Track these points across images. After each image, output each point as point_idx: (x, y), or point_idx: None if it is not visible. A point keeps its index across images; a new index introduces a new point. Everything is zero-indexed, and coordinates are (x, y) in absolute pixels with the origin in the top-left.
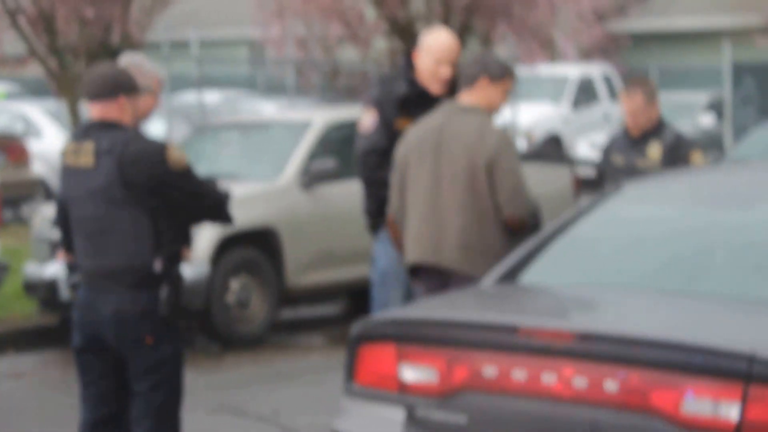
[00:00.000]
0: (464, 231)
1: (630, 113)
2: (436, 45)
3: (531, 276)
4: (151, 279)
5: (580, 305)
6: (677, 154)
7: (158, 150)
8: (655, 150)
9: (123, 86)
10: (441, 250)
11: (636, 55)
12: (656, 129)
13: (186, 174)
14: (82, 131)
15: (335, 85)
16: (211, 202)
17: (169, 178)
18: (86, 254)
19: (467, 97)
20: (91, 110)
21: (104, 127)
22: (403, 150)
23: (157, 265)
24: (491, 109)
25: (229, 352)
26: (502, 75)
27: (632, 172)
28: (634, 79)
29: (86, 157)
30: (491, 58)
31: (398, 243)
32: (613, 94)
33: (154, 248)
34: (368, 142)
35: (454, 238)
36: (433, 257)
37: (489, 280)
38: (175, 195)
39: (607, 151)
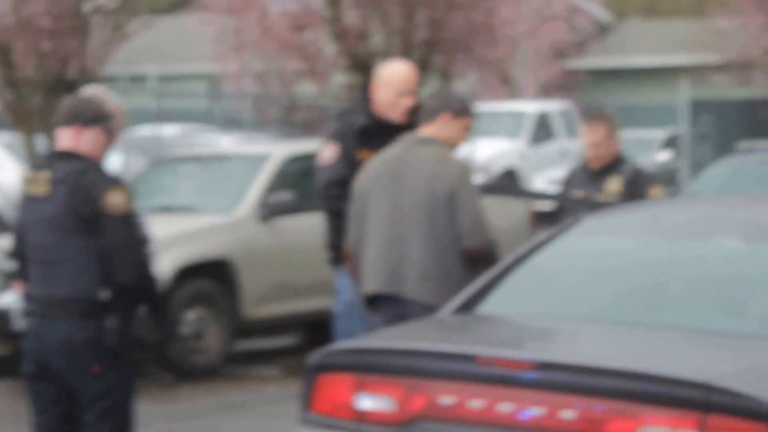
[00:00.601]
0: (424, 261)
1: (592, 145)
2: (395, 77)
3: (489, 306)
4: (99, 308)
5: (538, 335)
6: (636, 189)
7: (101, 186)
8: (614, 184)
9: (86, 117)
10: (401, 280)
11: (594, 91)
12: (616, 163)
13: (117, 220)
14: (41, 160)
15: (293, 120)
16: (130, 261)
17: (102, 217)
18: (38, 282)
19: (427, 130)
20: (57, 140)
21: (63, 156)
22: (362, 181)
23: (105, 295)
24: (451, 144)
25: (185, 384)
26: (464, 112)
27: (591, 205)
28: (597, 112)
29: (41, 186)
30: (453, 94)
31: (356, 274)
32: (570, 130)
33: (102, 278)
34: (329, 174)
35: (414, 269)
36: (393, 287)
37: (447, 310)
38: (101, 236)
39: (567, 185)
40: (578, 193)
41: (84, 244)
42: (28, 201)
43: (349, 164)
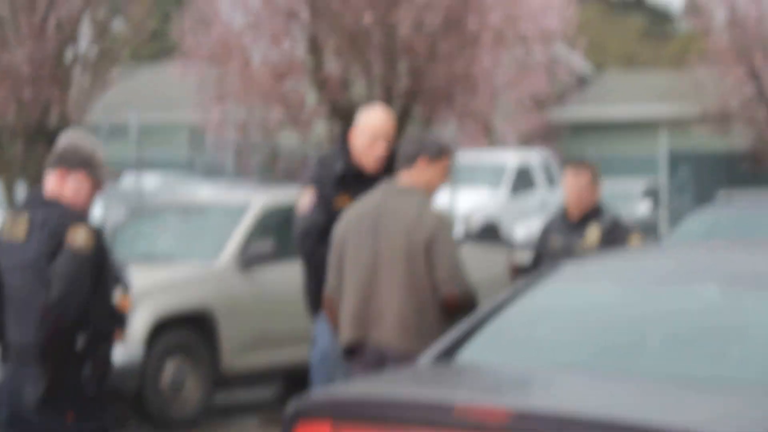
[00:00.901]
0: (402, 310)
1: (575, 192)
2: (370, 122)
3: (468, 355)
4: (74, 356)
5: (516, 384)
6: (616, 238)
7: (65, 223)
8: (593, 233)
9: (69, 160)
10: (379, 329)
11: (574, 142)
12: (595, 213)
13: (68, 254)
14: (21, 204)
15: (275, 169)
16: (65, 300)
17: (60, 251)
18: (13, 328)
19: (406, 177)
20: (44, 182)
21: (45, 203)
22: (341, 229)
23: (80, 342)
24: (431, 189)
25: None
26: (441, 154)
27: (570, 254)
28: (579, 161)
29: (19, 230)
30: (429, 138)
31: (334, 322)
32: (551, 180)
33: (78, 325)
34: (307, 221)
35: (393, 317)
36: (371, 336)
37: (426, 358)
38: (52, 268)
39: (545, 233)
40: (557, 242)
41: None
42: (6, 245)
43: (327, 211)
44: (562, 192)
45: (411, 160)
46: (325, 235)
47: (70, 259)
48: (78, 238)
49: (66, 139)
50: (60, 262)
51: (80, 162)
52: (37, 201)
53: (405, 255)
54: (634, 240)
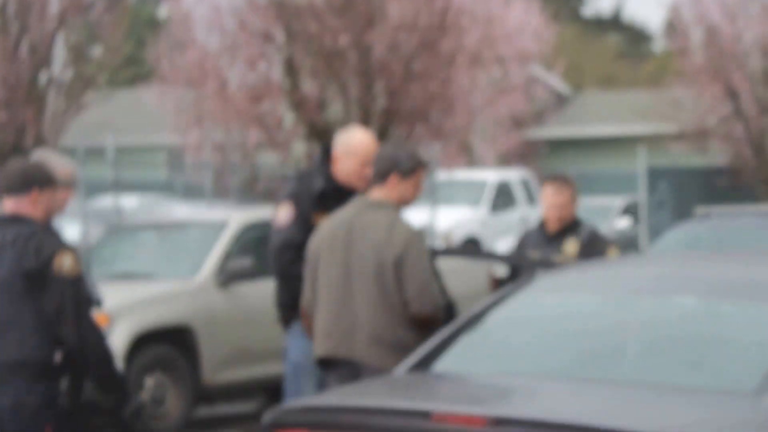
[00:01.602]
0: (374, 325)
1: (557, 206)
2: (360, 148)
3: (444, 364)
4: (51, 371)
5: (493, 391)
6: (593, 251)
7: (50, 248)
8: (571, 246)
9: (36, 180)
10: (352, 343)
11: (553, 160)
12: (573, 226)
13: (66, 283)
14: None
15: (254, 189)
16: (76, 324)
17: (50, 279)
18: None
19: (379, 193)
20: (5, 204)
21: (13, 221)
22: (315, 243)
23: (57, 357)
24: (403, 203)
25: None
26: (413, 169)
27: (548, 266)
28: (559, 176)
29: None
30: (402, 152)
31: (311, 334)
32: (530, 198)
33: (53, 340)
34: (283, 236)
35: (365, 332)
36: (344, 351)
37: (401, 368)
38: (47, 298)
39: (521, 247)
40: (534, 255)
41: (33, 307)
42: None
43: (305, 227)
44: (541, 206)
45: (383, 177)
46: (301, 251)
47: (67, 288)
48: (65, 264)
49: (24, 162)
50: (58, 293)
51: (49, 180)
52: (6, 221)
53: (375, 271)
54: (613, 252)
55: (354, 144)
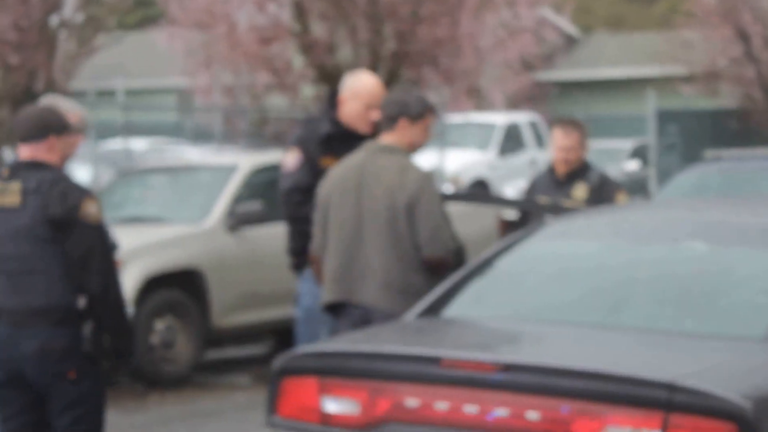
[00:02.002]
0: (385, 270)
1: (565, 149)
2: (365, 90)
3: (454, 310)
4: (75, 316)
5: (502, 337)
6: (603, 195)
7: (77, 196)
8: (580, 191)
9: (52, 127)
10: (362, 288)
11: (562, 103)
12: (582, 170)
13: (92, 229)
14: (9, 171)
15: (263, 132)
16: (102, 270)
17: (76, 226)
18: (7, 292)
19: (388, 138)
20: (21, 151)
21: (32, 167)
22: (325, 188)
23: (81, 302)
24: (413, 148)
25: (154, 392)
26: (422, 114)
27: (558, 211)
28: (568, 119)
29: (12, 196)
30: (410, 97)
31: (320, 279)
32: (539, 141)
33: (76, 286)
34: (292, 180)
35: (376, 277)
36: (355, 295)
37: (412, 314)
38: (73, 244)
39: (531, 191)
40: (544, 200)
41: (57, 253)
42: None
43: (313, 171)
44: (550, 149)
45: (393, 121)
46: (310, 195)
47: (94, 234)
48: (92, 210)
49: (39, 108)
50: (85, 239)
51: (65, 126)
52: (24, 167)
53: (387, 215)
54: (621, 197)
55: (359, 87)
